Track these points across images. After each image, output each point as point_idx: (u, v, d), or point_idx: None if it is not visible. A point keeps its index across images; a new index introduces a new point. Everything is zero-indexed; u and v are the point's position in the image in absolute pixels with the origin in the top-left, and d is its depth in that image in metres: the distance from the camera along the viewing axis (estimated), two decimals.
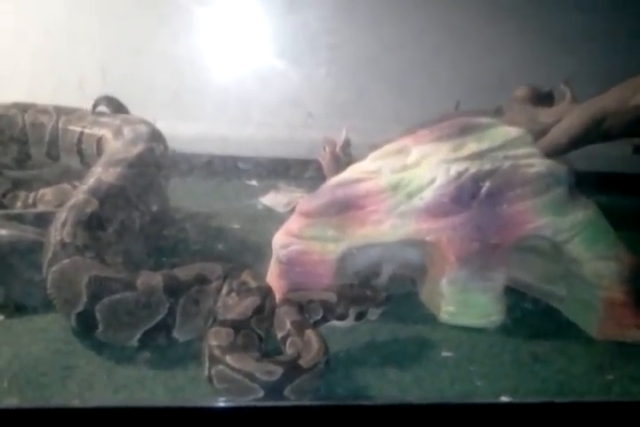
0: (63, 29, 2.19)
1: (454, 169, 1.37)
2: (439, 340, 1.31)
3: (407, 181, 1.39)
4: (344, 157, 1.91)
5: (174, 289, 1.21)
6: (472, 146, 1.41)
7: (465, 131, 1.44)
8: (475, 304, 1.36)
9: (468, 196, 1.36)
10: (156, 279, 1.21)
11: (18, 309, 1.28)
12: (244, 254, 1.60)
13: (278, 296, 1.31)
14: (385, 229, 1.36)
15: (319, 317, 1.26)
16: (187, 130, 2.18)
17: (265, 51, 2.28)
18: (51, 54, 2.20)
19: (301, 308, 1.24)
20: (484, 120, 1.47)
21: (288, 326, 1.19)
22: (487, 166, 1.38)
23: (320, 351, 1.11)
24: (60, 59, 2.20)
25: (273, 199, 2.07)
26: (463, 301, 1.36)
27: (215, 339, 1.12)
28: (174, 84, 2.24)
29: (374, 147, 1.50)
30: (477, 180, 1.37)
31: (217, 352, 1.09)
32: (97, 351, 1.19)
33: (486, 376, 1.19)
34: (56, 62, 2.20)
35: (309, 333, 1.16)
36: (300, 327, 1.18)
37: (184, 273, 1.25)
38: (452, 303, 1.36)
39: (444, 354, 1.26)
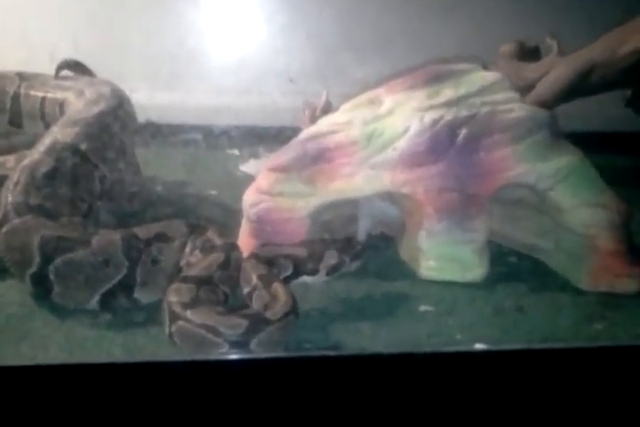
0: None
1: (429, 117, 1.30)
2: (418, 295, 1.24)
3: (380, 131, 1.31)
4: None
5: (133, 247, 1.14)
6: (448, 92, 1.34)
7: (440, 77, 1.37)
8: (456, 257, 1.28)
9: (444, 144, 1.29)
10: (114, 237, 1.15)
11: None
12: (218, 217, 1.53)
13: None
14: (357, 182, 1.29)
15: (289, 272, 1.20)
16: (164, 100, 2.11)
17: (244, 17, 2.21)
18: (21, 24, 2.12)
19: (269, 263, 1.18)
20: (461, 66, 1.40)
21: (254, 280, 1.12)
22: (464, 113, 1.31)
23: (288, 303, 1.05)
24: (30, 29, 2.13)
25: (253, 166, 2.00)
26: (443, 254, 1.29)
27: (175, 295, 1.06)
28: (149, 53, 2.17)
29: (346, 99, 1.43)
30: (454, 127, 1.30)
31: (177, 308, 1.03)
32: (54, 315, 1.13)
33: (467, 329, 1.12)
34: (26, 33, 2.12)
35: (276, 286, 1.10)
36: (267, 281, 1.12)
37: (144, 231, 1.18)
38: (431, 257, 1.29)
39: (423, 308, 1.19)
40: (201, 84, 2.16)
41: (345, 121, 1.35)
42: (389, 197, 1.33)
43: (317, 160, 1.30)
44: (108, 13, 2.14)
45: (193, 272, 1.12)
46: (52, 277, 1.11)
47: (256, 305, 1.10)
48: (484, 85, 1.36)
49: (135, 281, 1.14)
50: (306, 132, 1.37)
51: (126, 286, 1.14)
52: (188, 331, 1.01)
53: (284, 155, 1.33)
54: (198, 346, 1.01)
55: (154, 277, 1.16)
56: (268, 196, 1.31)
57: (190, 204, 1.51)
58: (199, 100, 2.16)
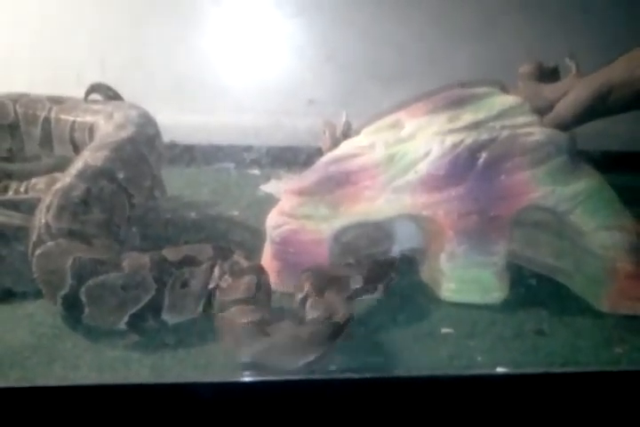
0: (60, 21, 2.17)
1: (450, 140, 1.33)
2: (439, 317, 1.26)
3: (401, 154, 1.34)
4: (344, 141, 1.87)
5: (162, 270, 1.18)
6: (468, 116, 1.36)
7: (461, 101, 1.40)
8: (476, 280, 1.30)
9: (465, 167, 1.31)
10: (143, 260, 1.18)
11: (6, 295, 1.25)
12: (246, 241, 1.56)
13: (272, 277, 1.27)
14: (379, 205, 1.32)
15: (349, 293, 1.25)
16: (187, 120, 2.15)
17: (264, 39, 2.25)
18: (48, 47, 2.18)
19: (322, 278, 1.22)
20: (481, 89, 1.42)
21: (307, 287, 1.17)
22: (484, 137, 1.33)
23: (346, 308, 1.11)
24: (57, 51, 2.19)
25: (274, 187, 2.03)
26: (464, 277, 1.31)
27: (243, 317, 1.07)
28: (174, 74, 2.22)
29: (368, 122, 1.46)
30: (474, 151, 1.32)
31: (254, 328, 1.05)
32: (84, 335, 1.16)
33: (487, 352, 1.14)
34: (54, 55, 2.19)
35: (329, 293, 1.16)
36: (319, 289, 1.16)
37: (172, 254, 1.21)
38: (452, 280, 1.31)
39: (444, 331, 1.21)
40: (222, 105, 2.21)
41: (367, 144, 1.38)
42: (410, 219, 1.35)
43: (342, 183, 1.33)
44: (133, 36, 2.20)
45: (238, 295, 1.14)
46: (83, 298, 1.15)
47: (311, 311, 1.13)
48: (503, 109, 1.38)
49: (163, 303, 1.18)
50: (329, 156, 1.40)
51: (154, 308, 1.17)
52: (273, 348, 1.04)
53: (308, 178, 1.36)
54: (286, 360, 1.03)
55: (181, 299, 1.19)
56: (291, 218, 1.33)
57: (221, 228, 1.54)
58: (221, 121, 2.21)
